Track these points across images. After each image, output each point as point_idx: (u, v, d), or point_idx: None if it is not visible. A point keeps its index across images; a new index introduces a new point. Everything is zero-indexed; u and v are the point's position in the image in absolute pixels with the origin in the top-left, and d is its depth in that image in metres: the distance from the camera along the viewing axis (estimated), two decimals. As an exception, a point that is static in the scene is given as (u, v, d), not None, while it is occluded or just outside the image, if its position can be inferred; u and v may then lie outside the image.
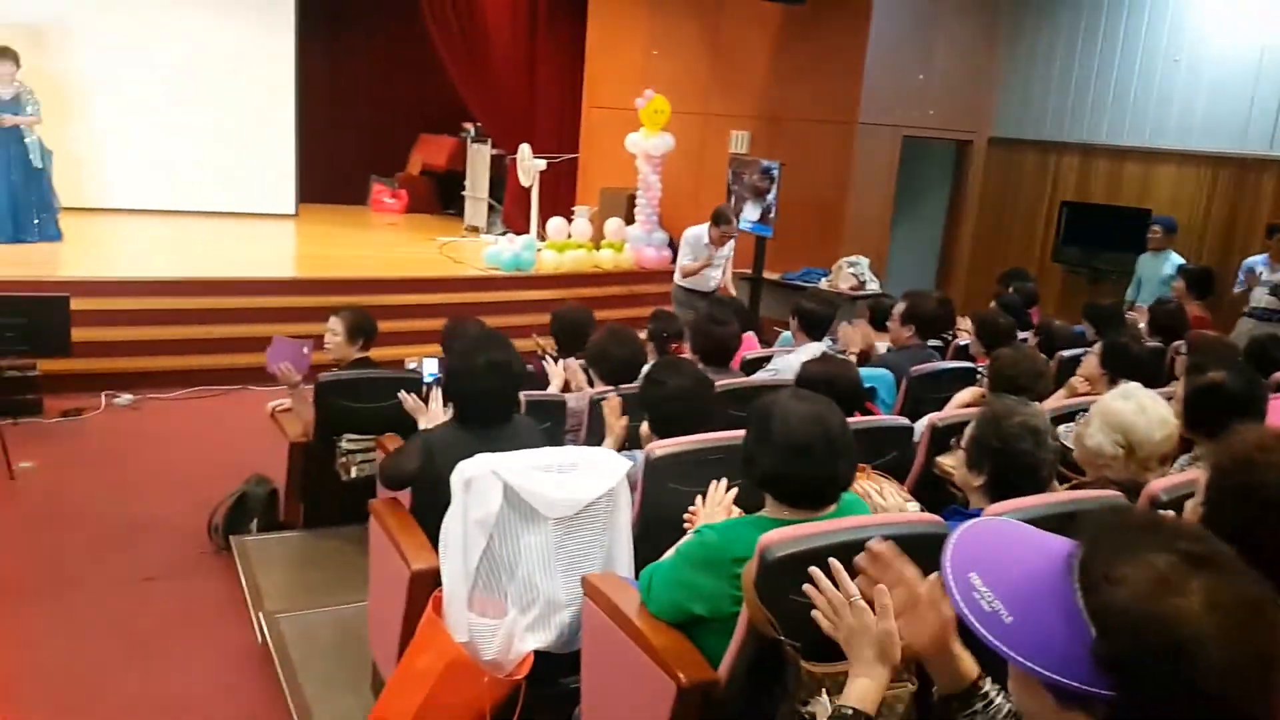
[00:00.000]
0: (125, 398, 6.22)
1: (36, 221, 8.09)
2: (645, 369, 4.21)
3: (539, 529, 2.66)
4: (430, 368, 4.53)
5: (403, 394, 3.54)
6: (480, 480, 2.60)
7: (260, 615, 3.64)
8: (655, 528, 2.80)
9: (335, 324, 4.34)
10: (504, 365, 3.00)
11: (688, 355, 4.30)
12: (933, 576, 1.41)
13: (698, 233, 6.93)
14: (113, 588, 4.04)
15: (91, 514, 4.71)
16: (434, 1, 10.13)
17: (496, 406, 3.02)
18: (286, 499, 4.38)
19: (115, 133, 9.84)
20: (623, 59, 9.97)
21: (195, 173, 10.23)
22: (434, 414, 3.42)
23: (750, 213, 7.93)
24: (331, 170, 11.35)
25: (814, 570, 1.60)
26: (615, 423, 3.32)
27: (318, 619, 3.65)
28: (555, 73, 10.48)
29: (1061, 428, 2.99)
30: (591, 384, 4.00)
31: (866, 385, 3.84)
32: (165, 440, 5.76)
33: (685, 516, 2.51)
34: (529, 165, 9.05)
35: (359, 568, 3.96)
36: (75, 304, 5.72)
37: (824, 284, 8.10)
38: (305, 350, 4.38)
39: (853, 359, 4.54)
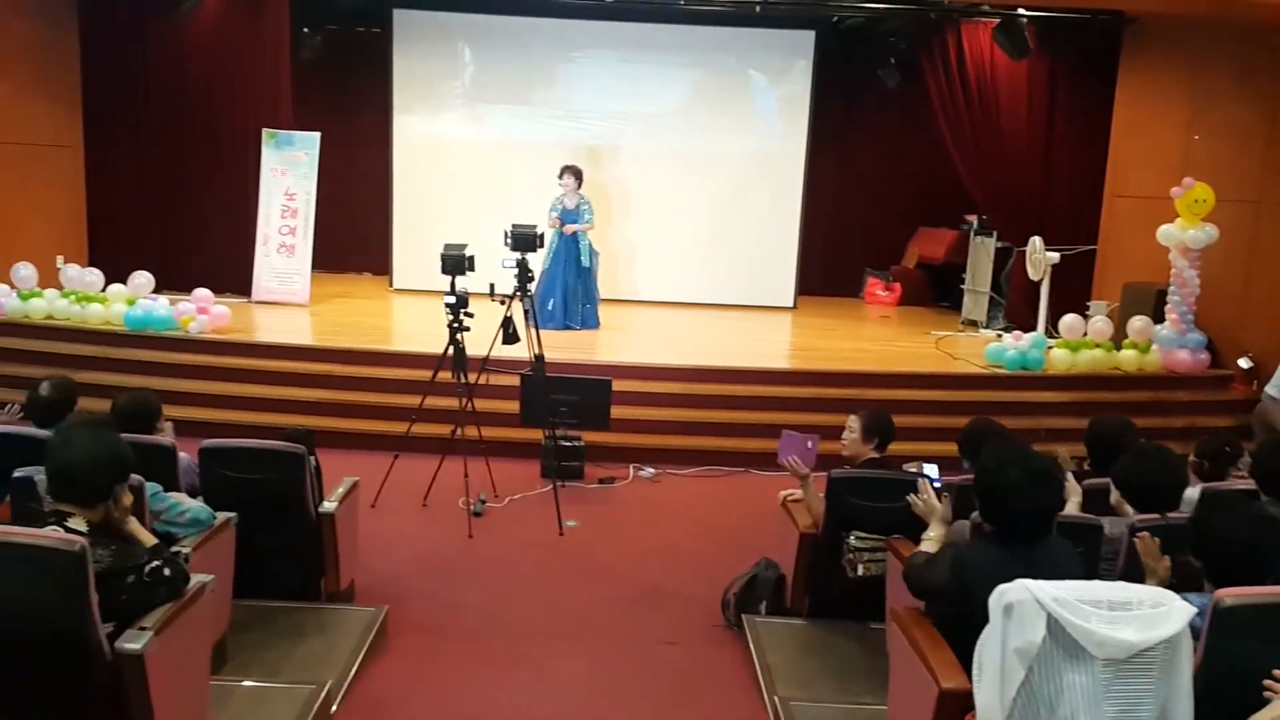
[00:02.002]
0: (648, 471, 6.90)
1: (581, 311, 9.41)
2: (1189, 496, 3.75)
3: (1085, 668, 2.44)
4: (931, 471, 4.45)
5: (912, 497, 3.50)
6: (1023, 608, 2.47)
7: (775, 699, 3.76)
8: (1222, 686, 2.48)
9: (853, 421, 4.44)
10: (1045, 476, 2.82)
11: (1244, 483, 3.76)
12: None
13: None
14: (638, 647, 4.43)
15: (620, 573, 5.24)
16: (946, 96, 10.17)
17: (1036, 524, 2.83)
18: (794, 586, 4.52)
19: (643, 234, 11.14)
20: (1155, 144, 9.18)
21: (709, 269, 11.20)
22: (944, 517, 3.34)
23: (1322, 313, 6.79)
24: (829, 264, 11.78)
25: None
26: (1156, 565, 2.99)
27: (830, 714, 3.67)
28: (1072, 161, 9.91)
29: None
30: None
31: None
32: (680, 513, 6.27)
33: (1268, 683, 2.19)
34: (1040, 258, 8.62)
35: (865, 665, 4.01)
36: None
37: None
38: (810, 444, 4.51)
39: None
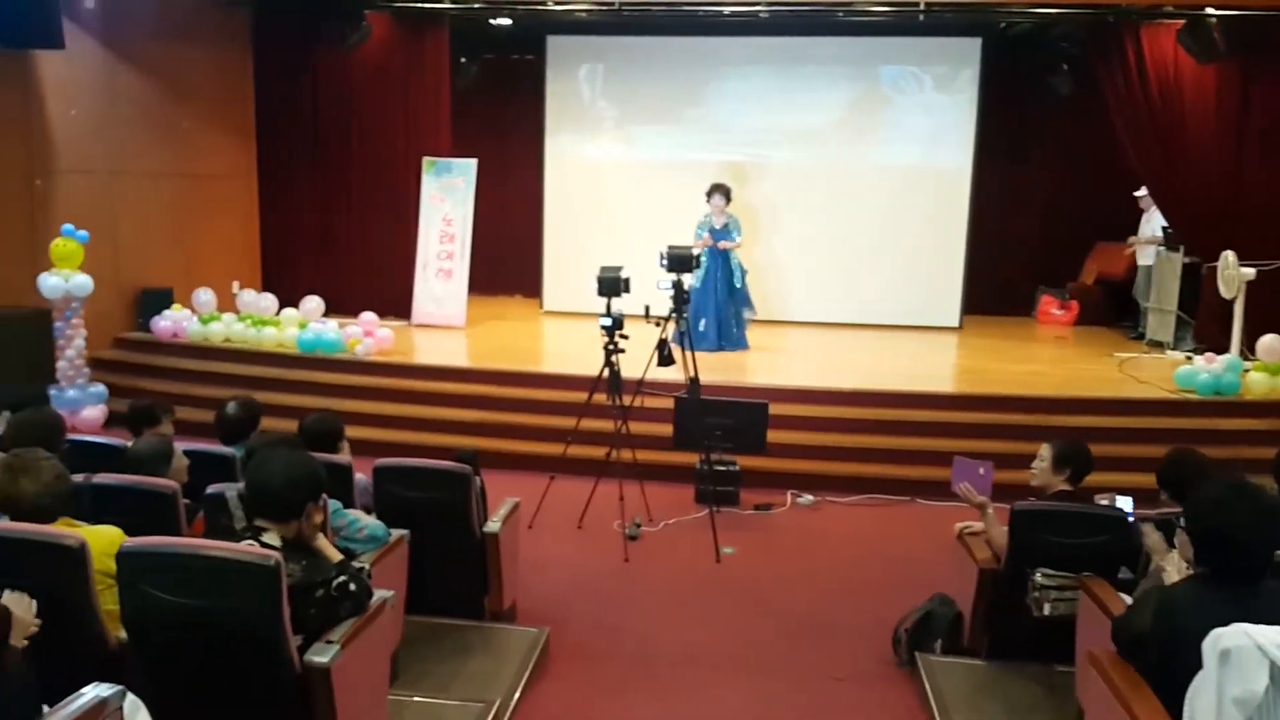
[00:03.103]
0: (807, 498, 6.69)
1: (734, 332, 9.28)
2: None
3: (1317, 717, 2.24)
4: (1125, 505, 4.12)
5: (1147, 528, 3.23)
6: (1241, 654, 2.30)
7: (956, 745, 3.53)
8: None
9: (1045, 450, 4.17)
10: (1272, 512, 2.58)
11: None
12: None
13: None
14: (803, 681, 4.26)
15: (780, 604, 5.07)
16: (1125, 103, 9.58)
17: (1260, 564, 2.59)
18: (972, 624, 4.26)
19: (794, 251, 10.96)
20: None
21: (865, 287, 10.92)
22: (1169, 557, 3.07)
23: None
24: (997, 282, 11.30)
25: None
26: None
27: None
28: (1266, 170, 9.13)
29: None
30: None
31: None
32: (842, 542, 6.05)
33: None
34: (1233, 274, 7.99)
35: (1049, 710, 3.80)
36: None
37: None
38: (982, 471, 4.29)
39: None
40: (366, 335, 8.50)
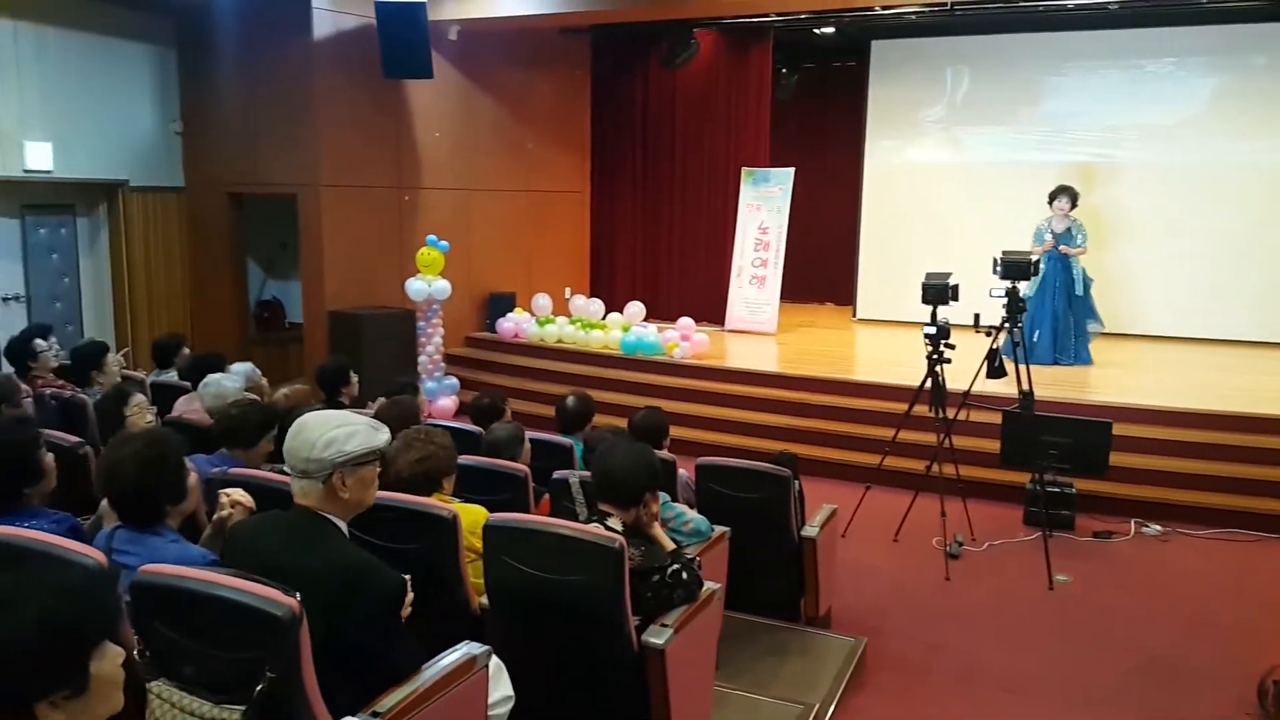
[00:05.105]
0: (1154, 528, 6.09)
1: (1073, 345, 8.62)
2: None
3: None
4: None
5: None
6: None
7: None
8: None
9: None
10: None
11: None
12: None
13: None
14: (1148, 723, 3.91)
15: (1121, 639, 4.68)
16: None
17: None
18: (1364, 685, 3.69)
19: (1146, 259, 10.03)
20: None
21: (1228, 299, 9.81)
22: None
23: None
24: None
25: None
26: None
27: None
28: None
29: None
30: None
31: None
32: (1195, 579, 5.45)
33: None
34: None
35: None
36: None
37: None
38: None
39: None
40: (684, 339, 8.81)
